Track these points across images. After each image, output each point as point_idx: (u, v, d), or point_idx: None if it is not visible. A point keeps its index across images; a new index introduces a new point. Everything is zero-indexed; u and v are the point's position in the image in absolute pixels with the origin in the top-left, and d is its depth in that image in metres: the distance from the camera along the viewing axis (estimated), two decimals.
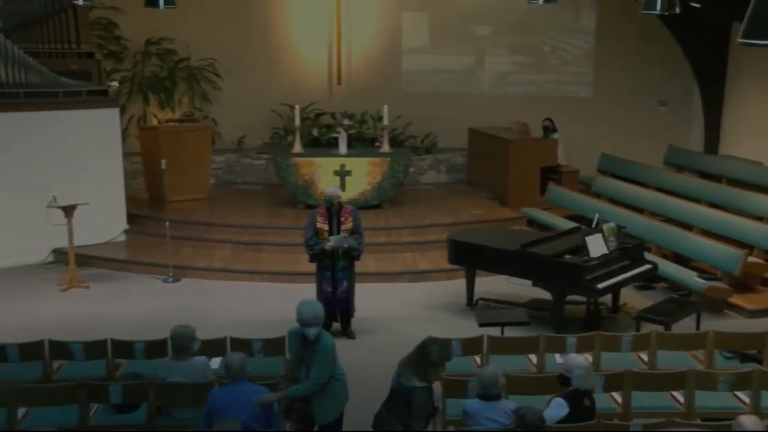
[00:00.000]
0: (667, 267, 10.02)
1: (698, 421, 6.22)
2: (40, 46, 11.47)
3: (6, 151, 10.83)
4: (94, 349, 6.96)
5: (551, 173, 13.01)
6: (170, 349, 6.85)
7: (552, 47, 14.62)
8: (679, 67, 14.06)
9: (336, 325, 8.94)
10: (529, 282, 9.15)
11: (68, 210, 10.25)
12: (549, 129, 13.59)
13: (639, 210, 11.65)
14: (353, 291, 8.85)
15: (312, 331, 5.74)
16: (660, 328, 8.02)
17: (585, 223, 10.92)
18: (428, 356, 5.43)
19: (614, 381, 6.44)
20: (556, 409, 5.56)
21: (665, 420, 5.87)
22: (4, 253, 10.90)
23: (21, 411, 6.23)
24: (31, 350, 6.91)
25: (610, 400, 6.60)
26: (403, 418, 5.46)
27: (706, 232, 10.60)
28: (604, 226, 9.19)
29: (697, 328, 8.49)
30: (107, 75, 12.54)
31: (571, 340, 7.13)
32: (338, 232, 8.59)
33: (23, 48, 11.05)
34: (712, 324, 8.34)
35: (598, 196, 12.56)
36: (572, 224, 10.81)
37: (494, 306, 9.59)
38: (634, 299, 9.83)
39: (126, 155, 12.64)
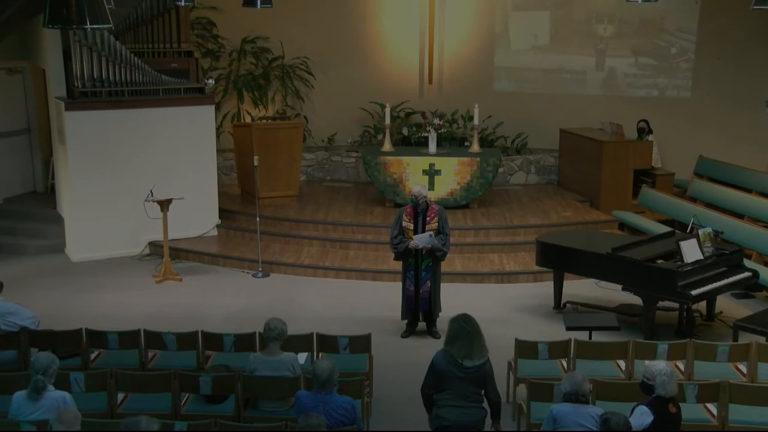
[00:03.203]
0: None
1: None
2: (145, 46, 11.91)
3: (110, 147, 11.25)
4: (186, 340, 7.19)
5: (645, 176, 12.73)
6: (258, 343, 7.04)
7: (649, 45, 14.26)
8: None
9: (421, 325, 8.98)
10: (619, 286, 9.00)
11: (164, 204, 10.59)
12: (644, 131, 13.28)
13: (739, 215, 11.28)
14: (438, 291, 8.86)
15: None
16: (761, 339, 7.74)
17: (679, 228, 10.67)
18: (476, 327, 5.67)
19: (709, 392, 6.28)
20: (640, 417, 5.46)
21: None
22: (105, 244, 11.34)
23: (119, 396, 6.51)
24: (128, 338, 7.21)
25: (704, 412, 6.43)
26: (477, 397, 5.67)
27: None
28: (700, 231, 8.96)
29: None
30: (204, 73, 12.89)
31: (662, 347, 6.98)
32: (423, 232, 8.62)
33: (131, 48, 11.51)
34: None
35: (694, 200, 12.22)
36: (666, 228, 10.56)
37: (582, 310, 9.47)
38: (731, 308, 9.54)
39: (219, 152, 12.97)
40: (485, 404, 5.74)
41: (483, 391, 5.70)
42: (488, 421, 5.80)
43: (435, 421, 5.74)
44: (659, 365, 5.58)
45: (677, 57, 14.21)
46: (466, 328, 5.66)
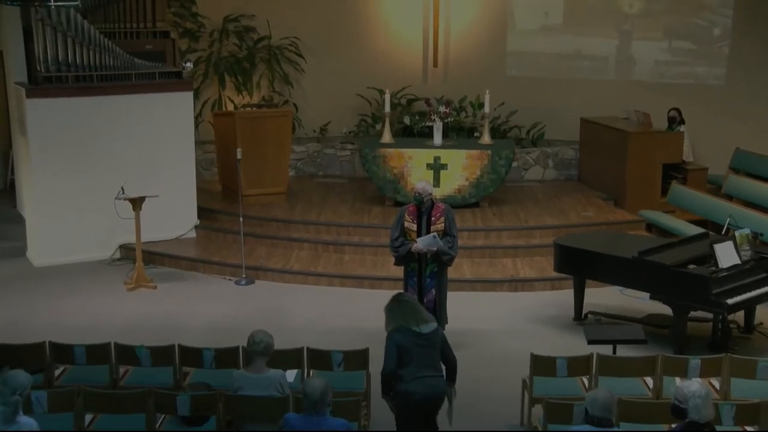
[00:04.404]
0: None
1: None
2: (116, 26, 11.90)
3: (76, 139, 11.25)
4: (161, 355, 7.20)
5: (675, 171, 12.74)
6: (242, 359, 7.05)
7: (680, 24, 14.23)
8: None
9: None
10: (647, 294, 9.01)
11: (136, 202, 10.59)
12: (675, 120, 13.27)
13: None
14: (444, 300, 8.87)
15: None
16: None
17: (713, 229, 10.67)
18: (412, 298, 6.73)
19: (748, 413, 6.28)
20: None
21: None
22: (71, 247, 11.34)
23: (87, 417, 6.51)
24: (97, 353, 7.22)
25: None
26: (438, 365, 6.33)
27: None
28: (737, 233, 8.97)
29: None
30: (182, 56, 12.89)
31: (695, 362, 6.99)
32: (427, 233, 8.62)
33: (100, 28, 11.50)
34: None
35: (729, 197, 12.23)
36: (698, 230, 10.58)
37: (606, 321, 9.48)
38: None
39: (199, 143, 12.97)
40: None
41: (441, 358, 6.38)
42: None
43: (401, 397, 6.23)
44: (692, 386, 5.54)
45: (721, 39, 14.11)
46: (404, 300, 6.51)
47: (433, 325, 6.37)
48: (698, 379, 6.28)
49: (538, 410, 6.89)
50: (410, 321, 6.29)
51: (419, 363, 6.22)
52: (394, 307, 6.43)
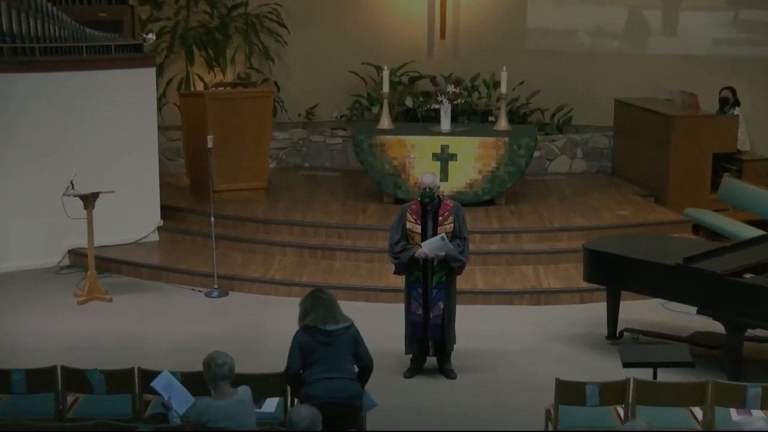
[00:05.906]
0: None
1: None
2: None
3: (13, 123, 11.24)
4: (118, 380, 7.17)
5: (727, 162, 12.74)
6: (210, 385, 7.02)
7: None
8: None
9: (431, 361, 8.96)
10: (694, 309, 9.00)
11: (88, 199, 10.56)
12: (728, 102, 13.25)
13: None
14: (453, 315, 8.86)
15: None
16: None
17: None
18: (332, 296, 7.01)
19: None
20: None
21: None
22: (8, 253, 11.32)
23: None
24: (40, 378, 7.17)
25: None
26: (349, 367, 6.88)
27: None
28: None
29: None
30: (142, 26, 12.87)
31: (754, 390, 6.97)
32: (434, 235, 8.60)
33: None
34: None
35: None
36: (756, 231, 10.57)
37: (645, 340, 9.48)
38: None
39: (162, 129, 12.96)
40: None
41: (354, 359, 6.92)
42: None
43: (303, 400, 6.64)
44: (756, 424, 5.49)
45: None
46: (321, 296, 6.94)
47: (344, 324, 6.89)
48: (762, 414, 6.26)
49: None
50: (317, 319, 6.82)
51: (323, 363, 6.77)
52: (308, 301, 6.95)
